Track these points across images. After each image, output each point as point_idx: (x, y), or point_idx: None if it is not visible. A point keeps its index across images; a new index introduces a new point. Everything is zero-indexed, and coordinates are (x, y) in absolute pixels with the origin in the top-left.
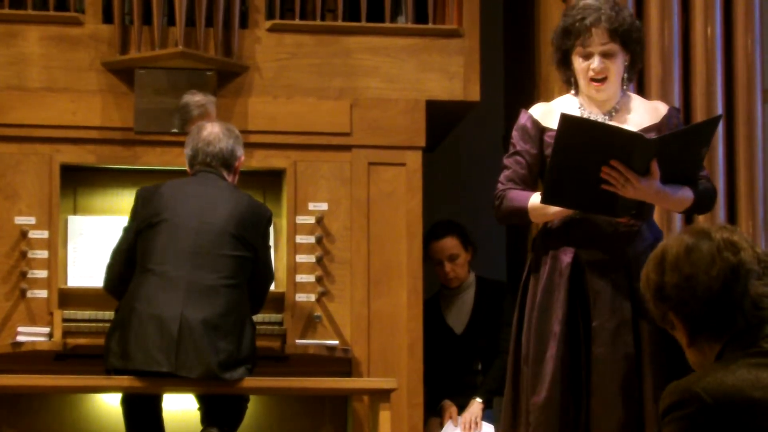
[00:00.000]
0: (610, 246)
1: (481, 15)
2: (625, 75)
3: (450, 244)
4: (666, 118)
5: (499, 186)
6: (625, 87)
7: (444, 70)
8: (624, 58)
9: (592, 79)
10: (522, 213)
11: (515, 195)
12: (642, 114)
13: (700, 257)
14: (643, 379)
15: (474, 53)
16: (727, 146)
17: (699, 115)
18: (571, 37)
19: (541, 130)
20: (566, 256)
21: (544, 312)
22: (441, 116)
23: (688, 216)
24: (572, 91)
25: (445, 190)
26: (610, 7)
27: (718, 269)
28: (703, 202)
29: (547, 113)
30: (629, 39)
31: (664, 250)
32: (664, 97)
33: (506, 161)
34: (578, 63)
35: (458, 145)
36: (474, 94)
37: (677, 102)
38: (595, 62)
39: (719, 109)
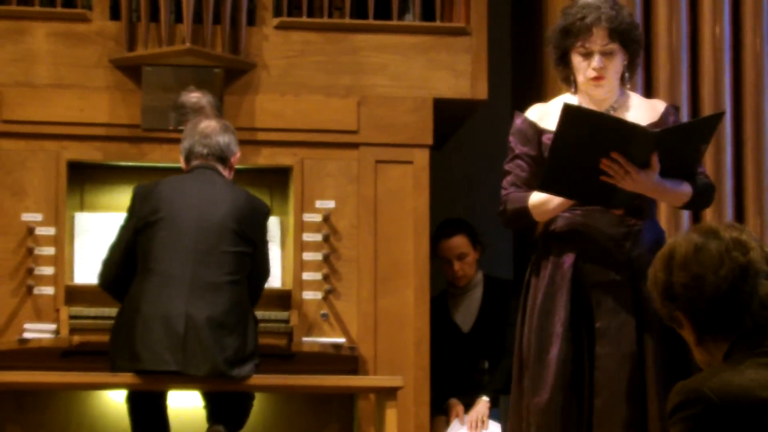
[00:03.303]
0: (612, 246)
1: (488, 13)
2: (626, 74)
3: (459, 242)
4: (663, 117)
5: (502, 192)
6: (626, 86)
7: (451, 68)
8: (623, 57)
9: (592, 77)
10: (524, 213)
11: (516, 197)
12: (640, 112)
13: (708, 257)
14: (646, 378)
15: (481, 51)
16: (735, 145)
17: (707, 115)
18: (570, 36)
19: (539, 132)
20: (568, 258)
21: (545, 314)
22: (448, 114)
23: (696, 214)
24: (571, 90)
25: (452, 188)
26: (609, 7)
27: (727, 269)
28: (701, 197)
29: (544, 115)
30: (628, 38)
31: (672, 249)
32: (672, 97)
33: (507, 166)
34: (578, 62)
35: (465, 143)
36: (481, 92)
37: (685, 101)
38: (596, 61)
39: (727, 109)
